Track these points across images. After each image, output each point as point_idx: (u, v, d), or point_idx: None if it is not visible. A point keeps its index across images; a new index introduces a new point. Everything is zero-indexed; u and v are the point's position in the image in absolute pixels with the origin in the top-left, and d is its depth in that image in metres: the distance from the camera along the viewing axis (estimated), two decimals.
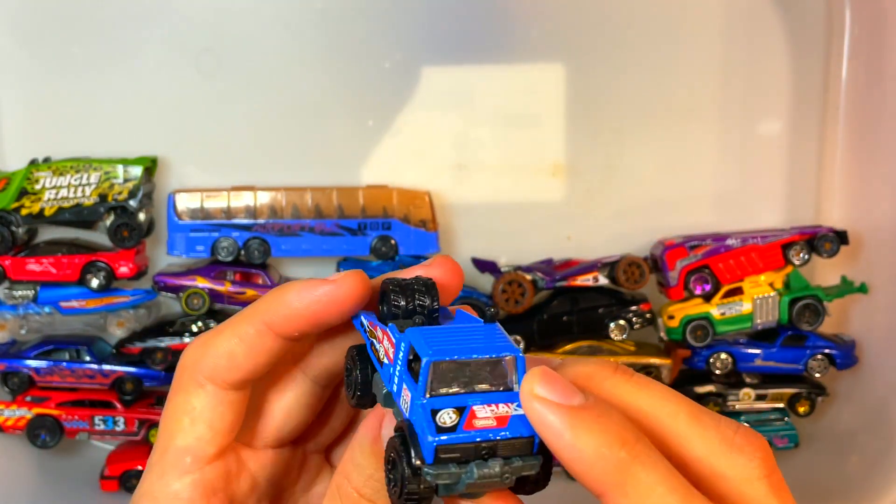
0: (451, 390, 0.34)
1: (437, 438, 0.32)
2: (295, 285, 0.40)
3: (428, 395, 0.33)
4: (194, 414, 0.40)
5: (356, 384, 0.39)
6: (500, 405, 0.33)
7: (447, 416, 0.33)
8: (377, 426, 0.38)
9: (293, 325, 0.39)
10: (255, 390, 0.43)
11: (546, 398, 0.32)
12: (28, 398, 1.03)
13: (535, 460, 0.34)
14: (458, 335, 0.35)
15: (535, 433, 0.33)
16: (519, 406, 0.33)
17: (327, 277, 0.40)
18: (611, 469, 0.31)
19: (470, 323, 0.38)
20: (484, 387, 0.34)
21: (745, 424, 0.34)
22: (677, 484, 0.31)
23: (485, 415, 0.33)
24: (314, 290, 0.39)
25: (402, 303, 0.37)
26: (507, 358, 0.34)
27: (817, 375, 1.06)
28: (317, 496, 0.46)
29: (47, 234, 1.06)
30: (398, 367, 0.35)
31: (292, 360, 0.43)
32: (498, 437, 0.33)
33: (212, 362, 0.40)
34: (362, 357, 0.39)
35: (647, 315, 1.06)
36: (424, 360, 0.33)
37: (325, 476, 0.47)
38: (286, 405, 0.43)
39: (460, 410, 0.33)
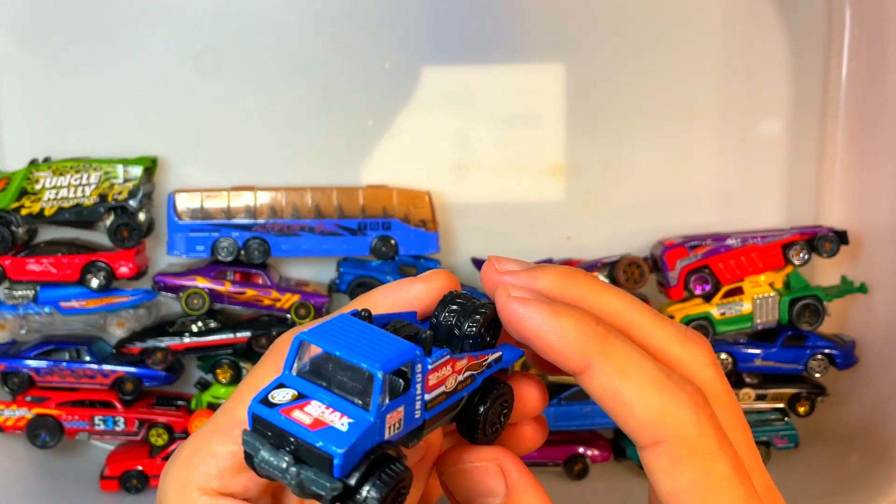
0: (310, 377, 0.33)
1: (255, 405, 0.32)
2: (384, 286, 0.41)
3: (290, 371, 0.34)
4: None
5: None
6: (333, 412, 0.32)
7: (280, 395, 0.33)
8: (432, 463, 0.42)
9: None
10: None
11: (523, 297, 0.37)
12: (28, 398, 1.03)
13: (328, 481, 0.31)
14: (357, 334, 0.34)
15: (337, 455, 0.30)
16: (345, 424, 0.31)
17: (414, 278, 0.41)
18: (592, 340, 0.36)
19: (400, 335, 0.35)
20: (338, 390, 0.33)
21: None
22: (643, 351, 0.37)
23: (308, 411, 0.32)
24: (399, 288, 0.41)
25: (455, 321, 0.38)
26: (366, 373, 0.32)
27: (817, 375, 1.06)
28: None
29: (47, 234, 1.06)
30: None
31: None
32: (303, 439, 0.31)
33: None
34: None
35: None
36: (295, 336, 0.34)
37: None
38: None
39: (299, 396, 0.32)
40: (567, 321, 0.36)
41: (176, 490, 0.39)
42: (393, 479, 0.31)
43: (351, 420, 0.31)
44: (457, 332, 0.37)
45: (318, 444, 0.31)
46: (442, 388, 0.35)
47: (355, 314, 0.35)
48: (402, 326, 0.36)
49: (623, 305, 0.39)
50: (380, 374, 0.31)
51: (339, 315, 0.35)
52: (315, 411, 0.32)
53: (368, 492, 0.31)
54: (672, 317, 1.05)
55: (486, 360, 0.38)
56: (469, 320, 0.37)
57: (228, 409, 0.40)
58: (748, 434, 0.39)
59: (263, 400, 0.33)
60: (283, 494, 0.45)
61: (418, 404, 0.34)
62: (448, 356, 0.35)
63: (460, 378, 0.36)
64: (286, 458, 0.31)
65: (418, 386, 0.34)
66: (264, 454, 0.32)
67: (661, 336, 0.39)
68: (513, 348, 0.40)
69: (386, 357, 0.32)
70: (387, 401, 0.32)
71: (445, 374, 0.35)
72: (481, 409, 0.38)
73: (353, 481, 0.31)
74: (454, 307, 0.38)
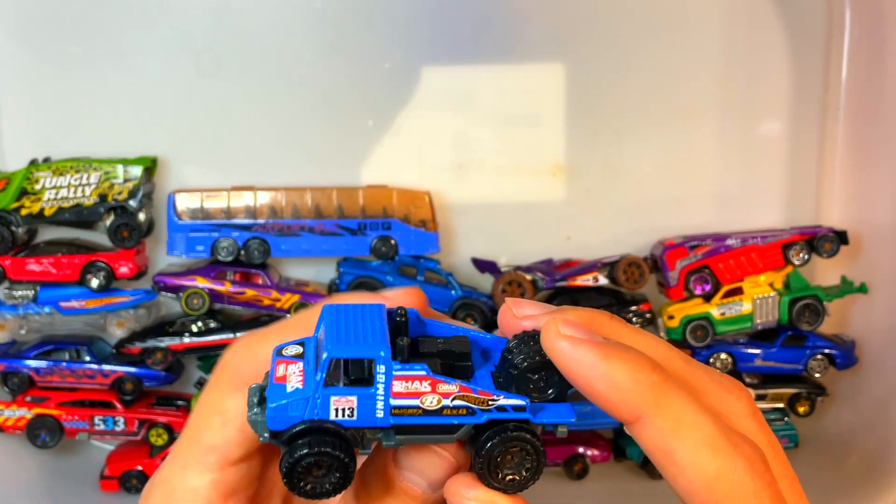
0: (316, 344, 0.36)
1: (274, 352, 0.36)
2: (353, 293, 0.39)
3: (315, 334, 0.37)
4: (227, 416, 0.39)
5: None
6: (300, 375, 0.35)
7: (292, 349, 0.36)
8: (390, 465, 0.38)
9: None
10: None
11: (573, 336, 0.33)
12: (28, 398, 1.03)
13: (262, 430, 0.35)
14: (361, 322, 0.36)
15: (269, 408, 0.34)
16: (293, 387, 0.34)
17: (384, 293, 0.39)
18: (646, 391, 0.32)
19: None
20: (318, 361, 0.35)
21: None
22: (699, 403, 0.33)
23: (289, 369, 0.35)
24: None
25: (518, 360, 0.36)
26: (324, 353, 0.34)
27: (817, 375, 1.06)
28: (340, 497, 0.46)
29: (47, 234, 1.06)
30: None
31: None
32: (267, 386, 0.35)
33: (253, 368, 0.38)
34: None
35: (647, 315, 1.06)
36: (324, 306, 0.36)
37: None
38: None
39: (298, 355, 0.36)
40: (619, 368, 0.33)
41: None
42: (307, 451, 0.34)
43: (300, 387, 0.34)
44: (508, 356, 0.36)
45: (266, 394, 0.35)
46: (416, 402, 0.35)
47: (391, 312, 0.37)
48: (453, 344, 0.37)
49: (655, 352, 0.35)
50: (324, 356, 0.34)
51: (373, 305, 0.37)
52: (291, 370, 0.35)
53: (290, 452, 0.34)
54: (672, 317, 1.06)
55: (494, 399, 0.35)
56: (524, 354, 0.35)
57: (192, 439, 0.39)
58: (797, 486, 0.36)
59: (281, 349, 0.37)
60: None
61: (380, 404, 0.35)
62: (424, 373, 0.35)
63: (447, 403, 0.35)
64: (256, 398, 0.35)
65: (380, 386, 0.34)
66: (252, 389, 0.36)
67: (696, 385, 0.35)
68: (563, 410, 0.36)
69: (344, 346, 0.34)
70: (336, 384, 0.34)
71: (420, 390, 0.35)
72: (484, 443, 0.35)
73: (285, 437, 0.34)
74: (529, 339, 0.36)
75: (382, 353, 0.34)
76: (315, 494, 0.36)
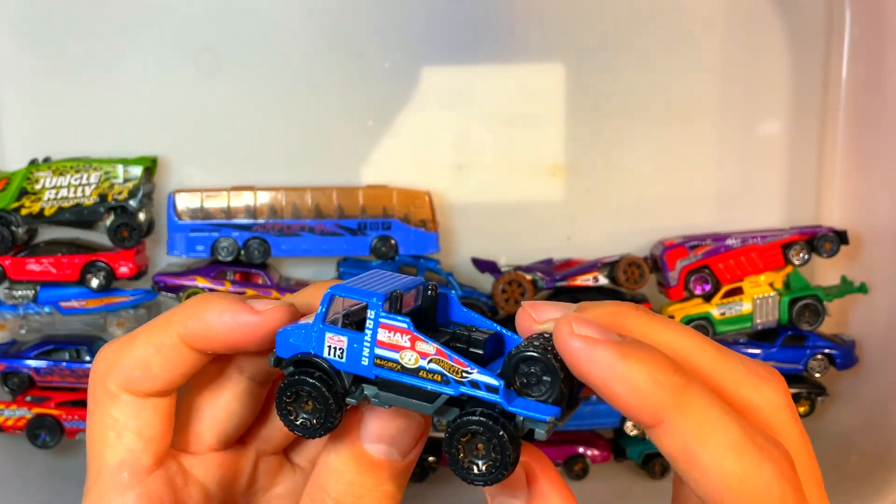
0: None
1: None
2: (218, 302, 0.37)
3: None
4: (118, 426, 0.37)
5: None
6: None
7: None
8: (354, 428, 0.37)
9: (208, 343, 0.37)
10: (187, 392, 0.41)
11: (588, 336, 0.31)
12: (28, 398, 1.03)
13: (272, 354, 0.38)
14: (382, 278, 0.38)
15: (278, 333, 0.36)
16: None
17: (252, 302, 0.37)
18: (667, 394, 0.31)
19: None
20: None
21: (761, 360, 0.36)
22: (724, 404, 0.32)
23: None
24: (236, 315, 0.37)
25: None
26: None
27: (817, 375, 1.06)
28: (278, 497, 0.44)
29: (47, 234, 1.06)
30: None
31: (226, 358, 0.41)
32: None
33: (125, 372, 0.37)
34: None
35: None
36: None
37: (285, 476, 0.45)
38: (224, 405, 0.41)
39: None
40: (639, 369, 0.31)
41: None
42: (292, 382, 0.36)
43: (309, 322, 0.36)
44: (514, 352, 0.34)
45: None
46: (396, 356, 0.35)
47: (423, 285, 0.38)
48: (474, 332, 0.37)
49: (684, 343, 0.34)
50: (329, 291, 0.36)
51: (407, 277, 0.38)
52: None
53: (285, 378, 0.36)
54: (672, 317, 1.05)
55: (469, 372, 0.34)
56: (532, 347, 0.33)
57: (98, 465, 0.37)
58: (820, 485, 0.36)
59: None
60: (291, 452, 0.44)
61: (366, 351, 0.35)
62: (405, 326, 0.34)
63: (424, 364, 0.34)
64: None
65: (368, 332, 0.35)
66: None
67: (730, 377, 0.34)
68: (546, 408, 0.33)
69: (348, 285, 0.36)
70: (336, 324, 0.36)
71: (400, 344, 0.35)
72: (451, 423, 0.34)
73: (283, 364, 0.37)
74: (542, 337, 0.34)
75: (375, 300, 0.35)
76: (300, 429, 0.36)
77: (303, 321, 0.37)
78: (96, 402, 0.38)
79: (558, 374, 0.33)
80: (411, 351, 0.34)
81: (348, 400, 0.36)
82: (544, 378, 0.33)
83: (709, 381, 0.33)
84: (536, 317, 0.35)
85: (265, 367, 0.41)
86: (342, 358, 0.36)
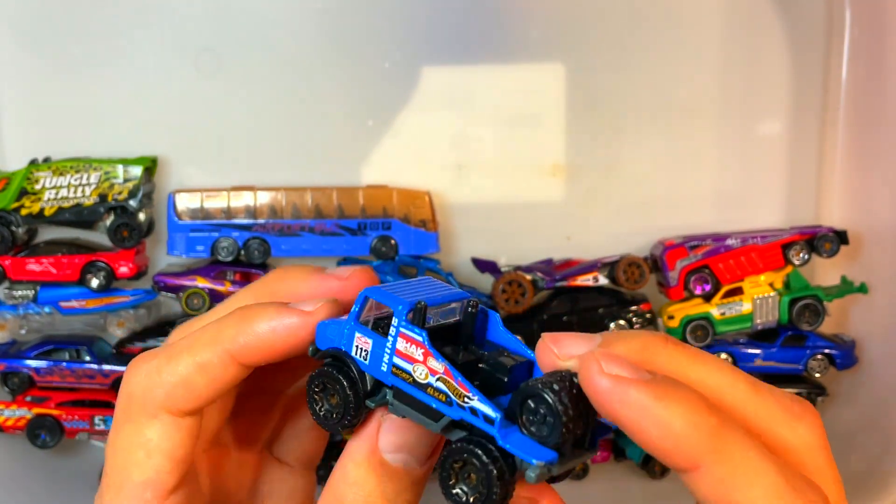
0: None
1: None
2: (264, 311, 0.37)
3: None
4: (150, 446, 0.37)
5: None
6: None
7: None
8: (374, 437, 0.36)
9: (260, 355, 0.37)
10: None
11: (619, 375, 0.30)
12: (28, 398, 1.03)
13: (311, 345, 0.38)
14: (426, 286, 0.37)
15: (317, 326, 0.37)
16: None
17: (300, 305, 0.37)
18: (704, 437, 0.29)
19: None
20: None
21: (795, 395, 0.34)
22: (762, 446, 0.30)
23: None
24: (286, 318, 0.36)
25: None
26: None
27: (817, 375, 1.06)
28: (263, 495, 0.44)
29: (47, 234, 1.06)
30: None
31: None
32: None
33: (166, 392, 0.36)
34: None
35: (647, 315, 1.06)
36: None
37: (294, 485, 0.44)
38: (248, 412, 0.41)
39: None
40: (675, 411, 0.29)
41: None
42: (321, 374, 0.36)
43: (345, 318, 0.37)
44: (524, 386, 0.32)
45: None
46: (409, 367, 0.34)
47: (467, 300, 0.37)
48: (504, 357, 0.35)
49: (718, 380, 0.32)
50: (362, 293, 0.36)
51: (454, 290, 0.37)
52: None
53: (317, 368, 0.37)
54: (672, 317, 1.06)
55: (470, 398, 0.32)
56: (542, 384, 0.31)
57: (122, 480, 0.37)
58: None
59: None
60: (272, 448, 0.43)
61: (385, 357, 0.35)
62: (421, 339, 0.34)
63: (433, 381, 0.33)
64: None
65: (390, 339, 0.35)
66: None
67: (765, 415, 0.32)
68: (542, 450, 0.31)
69: (380, 289, 0.36)
70: (365, 325, 0.36)
71: (415, 356, 0.34)
72: (446, 446, 0.33)
73: (318, 356, 0.37)
74: (563, 377, 0.32)
75: (400, 307, 0.34)
76: (322, 419, 0.37)
77: (343, 317, 0.37)
78: (130, 419, 0.37)
79: (561, 418, 0.31)
80: (423, 365, 0.34)
81: (368, 402, 0.36)
82: (548, 419, 0.31)
83: (744, 419, 0.32)
84: (559, 352, 0.32)
85: (276, 373, 0.41)
86: (366, 360, 0.35)
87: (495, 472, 0.32)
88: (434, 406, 0.34)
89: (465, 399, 0.33)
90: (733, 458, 0.29)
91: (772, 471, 0.30)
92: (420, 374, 0.34)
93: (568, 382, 0.31)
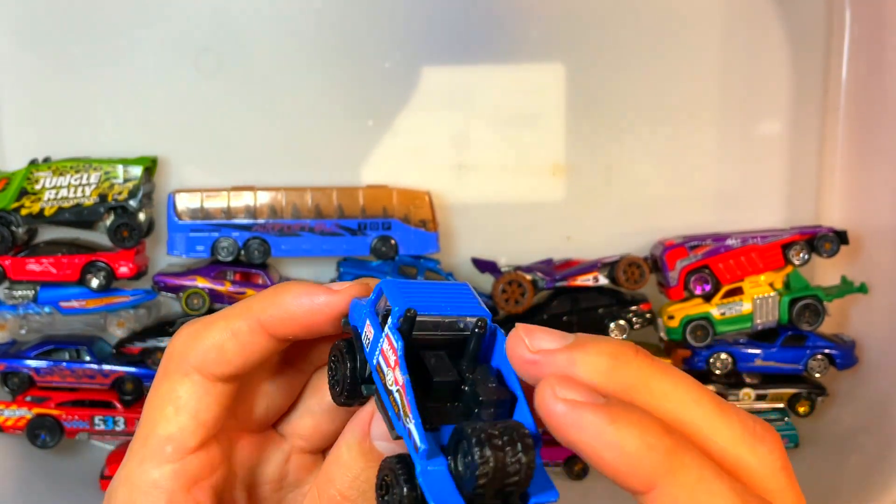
0: None
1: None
2: (294, 288, 0.39)
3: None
4: (179, 403, 0.39)
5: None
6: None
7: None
8: (367, 423, 0.37)
9: (287, 328, 0.39)
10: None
11: (573, 399, 0.30)
12: (28, 398, 1.03)
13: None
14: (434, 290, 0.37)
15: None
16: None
17: (330, 285, 0.39)
18: (659, 458, 0.29)
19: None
20: None
21: (757, 416, 0.34)
22: (717, 467, 0.30)
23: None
24: (314, 296, 0.38)
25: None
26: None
27: (817, 375, 1.06)
28: (303, 495, 0.44)
29: (47, 234, 1.06)
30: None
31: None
32: None
33: (201, 354, 0.39)
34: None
35: (647, 315, 1.06)
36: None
37: (315, 476, 0.44)
38: (260, 385, 0.42)
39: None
40: (629, 434, 0.29)
41: None
42: (337, 346, 0.37)
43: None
44: (465, 425, 0.31)
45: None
46: (385, 370, 0.34)
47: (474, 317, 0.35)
48: (485, 384, 0.34)
49: (683, 395, 0.32)
50: (379, 285, 0.36)
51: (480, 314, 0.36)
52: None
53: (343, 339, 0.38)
54: (672, 317, 1.06)
55: (410, 419, 0.32)
56: (480, 431, 0.30)
57: (148, 432, 0.38)
58: None
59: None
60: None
61: (376, 352, 0.35)
62: (396, 346, 0.33)
63: (394, 390, 0.33)
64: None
65: (381, 338, 0.35)
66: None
67: (726, 434, 0.32)
68: (449, 495, 0.30)
69: (393, 287, 0.35)
70: (377, 315, 0.36)
71: (389, 362, 0.34)
72: (381, 463, 0.33)
73: (349, 329, 0.38)
74: (508, 429, 0.30)
75: (396, 309, 0.34)
76: (331, 387, 0.38)
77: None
78: (167, 375, 0.39)
79: (478, 469, 0.30)
80: (392, 373, 0.33)
81: (363, 388, 0.36)
82: (469, 467, 0.30)
83: (705, 438, 0.32)
84: (530, 344, 0.33)
85: (307, 354, 0.42)
86: (367, 346, 0.36)
87: (407, 500, 0.31)
88: (390, 414, 0.33)
89: (407, 419, 0.32)
90: (688, 479, 0.29)
91: (727, 492, 0.30)
92: (389, 380, 0.34)
93: (509, 437, 0.30)
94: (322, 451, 0.46)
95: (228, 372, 0.39)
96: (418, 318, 0.34)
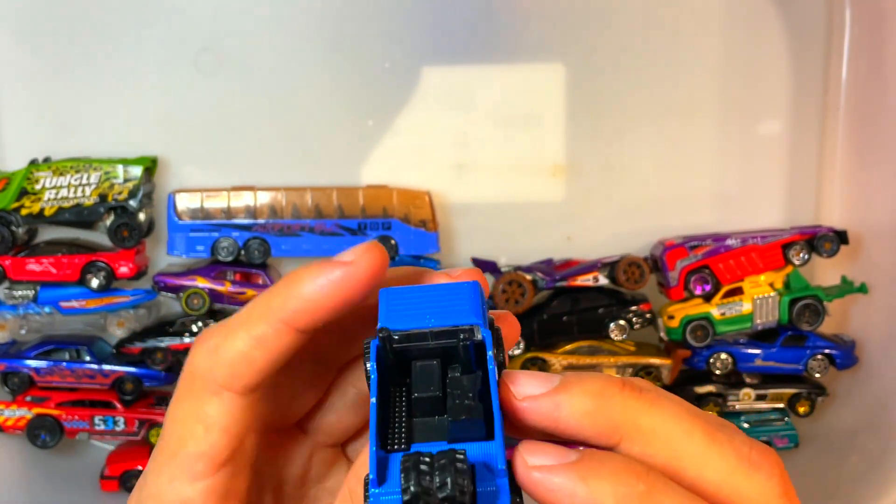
0: None
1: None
2: (307, 272, 0.37)
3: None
4: (209, 422, 0.37)
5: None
6: None
7: None
8: None
9: (313, 317, 0.36)
10: None
11: (544, 465, 0.30)
12: (28, 398, 1.03)
13: None
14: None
15: None
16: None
17: (341, 255, 0.37)
18: None
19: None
20: None
21: (756, 439, 0.33)
22: (701, 501, 0.30)
23: None
24: (329, 273, 0.36)
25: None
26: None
27: (817, 375, 1.06)
28: (328, 492, 0.44)
29: (47, 234, 1.06)
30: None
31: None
32: None
33: (227, 369, 0.37)
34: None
35: (647, 315, 1.06)
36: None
37: (340, 471, 0.44)
38: (290, 385, 0.41)
39: None
40: (599, 488, 0.29)
41: None
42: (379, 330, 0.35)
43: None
44: (413, 457, 0.30)
45: None
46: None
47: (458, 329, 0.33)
48: (461, 401, 0.32)
49: (671, 429, 0.32)
50: (382, 292, 0.35)
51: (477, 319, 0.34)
52: None
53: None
54: (672, 317, 1.05)
55: (369, 442, 0.32)
56: (432, 460, 0.29)
57: (175, 450, 0.37)
58: None
59: None
60: (346, 447, 0.43)
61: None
62: (369, 368, 0.32)
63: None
64: None
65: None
66: None
67: (720, 466, 0.31)
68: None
69: (390, 297, 0.35)
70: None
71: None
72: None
73: None
74: (450, 462, 0.30)
75: (379, 326, 0.33)
76: (364, 369, 0.35)
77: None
78: (192, 395, 0.37)
79: (402, 498, 0.29)
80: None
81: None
82: (403, 495, 0.29)
83: (697, 471, 0.31)
84: (516, 392, 0.33)
85: (334, 347, 0.41)
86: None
87: None
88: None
89: (368, 441, 0.31)
90: None
91: None
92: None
93: (450, 470, 0.29)
94: (344, 444, 0.45)
95: (258, 381, 0.37)
96: (405, 333, 0.33)
